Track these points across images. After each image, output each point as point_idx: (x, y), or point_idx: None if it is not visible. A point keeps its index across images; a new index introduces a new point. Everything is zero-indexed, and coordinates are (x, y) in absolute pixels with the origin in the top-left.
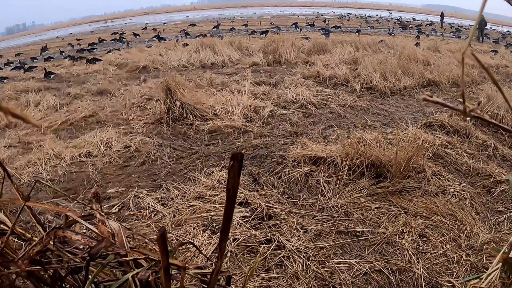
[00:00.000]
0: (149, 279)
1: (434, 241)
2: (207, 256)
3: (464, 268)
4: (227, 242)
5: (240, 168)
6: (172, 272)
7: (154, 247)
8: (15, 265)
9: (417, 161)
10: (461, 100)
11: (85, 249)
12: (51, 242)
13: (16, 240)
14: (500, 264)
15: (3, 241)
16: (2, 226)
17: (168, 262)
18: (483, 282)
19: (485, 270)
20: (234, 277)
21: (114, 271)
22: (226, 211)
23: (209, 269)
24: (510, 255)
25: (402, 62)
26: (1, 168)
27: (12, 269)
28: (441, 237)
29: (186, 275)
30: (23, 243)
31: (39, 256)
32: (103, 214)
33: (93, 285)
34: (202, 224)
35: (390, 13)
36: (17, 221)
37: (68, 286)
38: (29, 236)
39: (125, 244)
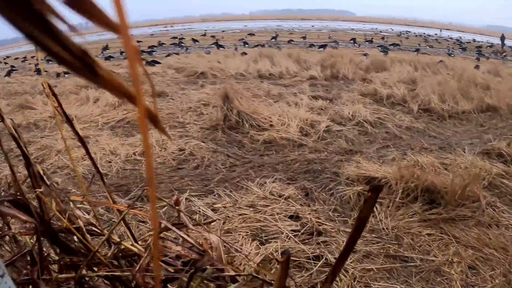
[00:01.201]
0: None
1: (483, 274)
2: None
3: None
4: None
5: (376, 200)
6: None
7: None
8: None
9: (472, 190)
10: None
11: (180, 259)
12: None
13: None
14: None
15: (94, 245)
16: (93, 228)
17: (285, 285)
18: None
19: None
20: None
21: (208, 283)
22: (352, 235)
23: None
24: None
25: (461, 85)
26: (95, 170)
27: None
28: (491, 271)
29: None
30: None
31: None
32: (205, 227)
33: None
34: (251, 233)
35: (440, 31)
36: (113, 230)
37: None
38: (118, 240)
39: (223, 259)
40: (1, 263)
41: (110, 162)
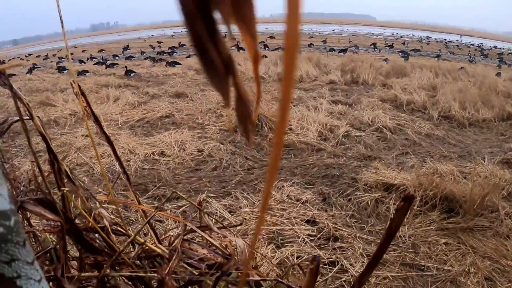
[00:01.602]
0: None
1: (500, 286)
2: (268, 273)
3: None
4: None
5: (408, 209)
6: None
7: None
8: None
9: (491, 200)
10: None
11: (204, 261)
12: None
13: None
14: None
15: (120, 247)
16: (118, 228)
17: None
18: None
19: None
20: None
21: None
22: (382, 244)
23: None
24: None
25: (482, 92)
26: (121, 170)
27: (122, 271)
28: (508, 283)
29: None
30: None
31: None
32: (231, 230)
33: None
34: (267, 236)
35: (460, 36)
36: (139, 232)
37: None
38: (142, 241)
39: (248, 263)
40: (38, 267)
41: (128, 161)
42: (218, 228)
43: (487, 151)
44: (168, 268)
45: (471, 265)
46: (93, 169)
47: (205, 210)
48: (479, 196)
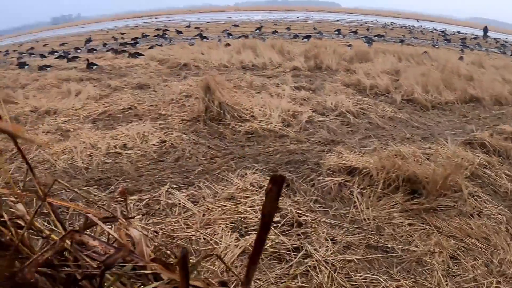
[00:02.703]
0: None
1: (465, 264)
2: (233, 261)
3: None
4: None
5: (279, 193)
6: None
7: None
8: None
9: (454, 180)
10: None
11: (105, 254)
12: (68, 242)
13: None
14: None
15: (18, 237)
16: (20, 221)
17: (188, 285)
18: None
19: None
20: (258, 281)
21: (132, 281)
22: (259, 236)
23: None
24: None
25: (444, 75)
26: (25, 162)
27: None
28: (473, 261)
29: None
30: (41, 239)
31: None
32: (123, 220)
33: None
34: (231, 225)
35: (417, 21)
36: (34, 217)
37: None
38: (48, 233)
39: (145, 255)
40: None
41: (90, 155)
42: (127, 219)
43: (449, 133)
44: (31, 261)
45: (435, 244)
46: (55, 166)
47: (163, 202)
48: (441, 176)
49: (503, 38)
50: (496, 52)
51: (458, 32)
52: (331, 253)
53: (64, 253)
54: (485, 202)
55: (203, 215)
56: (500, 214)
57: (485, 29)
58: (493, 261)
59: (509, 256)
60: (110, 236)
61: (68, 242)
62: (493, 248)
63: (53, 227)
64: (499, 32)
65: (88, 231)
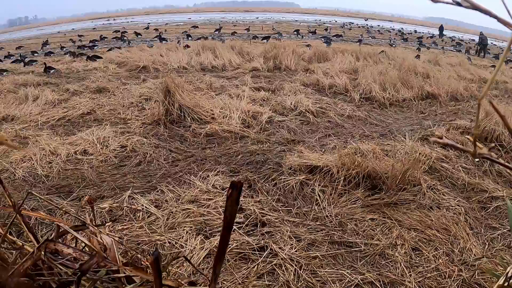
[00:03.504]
0: None
1: (427, 255)
2: (199, 264)
3: (456, 283)
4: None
5: (239, 197)
6: None
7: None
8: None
9: (413, 174)
10: (468, 137)
11: (78, 261)
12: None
13: (5, 247)
14: None
15: None
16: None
17: (161, 285)
18: None
19: (476, 286)
20: (225, 283)
21: (106, 285)
22: (223, 236)
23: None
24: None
25: (402, 74)
26: None
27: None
28: (434, 251)
29: None
30: (14, 252)
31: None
32: (95, 227)
33: None
34: (195, 228)
35: (366, 20)
36: (8, 230)
37: None
38: (20, 244)
39: (117, 259)
40: None
41: (50, 162)
42: (98, 226)
43: (407, 129)
44: (13, 271)
45: (397, 237)
46: (14, 175)
47: (125, 208)
48: (400, 171)
49: (459, 36)
50: (452, 50)
51: (415, 31)
52: (296, 251)
53: (37, 262)
54: (443, 195)
55: (167, 219)
56: (458, 205)
57: (441, 28)
58: (454, 251)
59: (469, 245)
60: (81, 243)
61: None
62: (453, 238)
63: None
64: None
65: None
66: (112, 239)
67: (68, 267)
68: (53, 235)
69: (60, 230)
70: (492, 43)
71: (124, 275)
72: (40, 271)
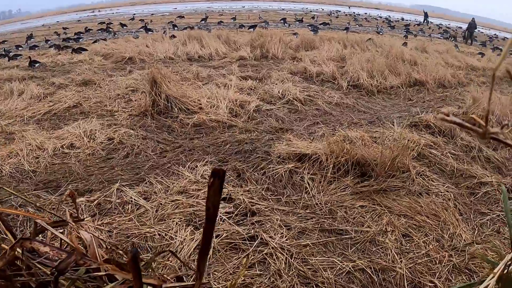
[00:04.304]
0: None
1: (417, 241)
2: (190, 255)
3: (446, 269)
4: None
5: (221, 185)
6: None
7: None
8: None
9: (402, 161)
10: (473, 116)
11: (58, 259)
12: (19, 250)
13: None
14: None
15: None
16: None
17: (141, 283)
18: None
19: (467, 271)
20: (216, 273)
21: (86, 284)
22: (206, 229)
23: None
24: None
25: (389, 61)
26: None
27: None
28: (424, 237)
29: None
30: None
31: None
32: (73, 223)
33: None
34: (185, 219)
35: (349, 8)
36: None
37: None
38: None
39: (97, 256)
40: None
41: (37, 157)
42: (76, 221)
43: (395, 116)
44: None
45: (387, 224)
46: (1, 171)
47: (115, 200)
48: (389, 158)
49: (446, 24)
50: (439, 38)
51: (402, 19)
52: (287, 240)
53: (16, 262)
54: (432, 181)
55: (156, 211)
56: (447, 191)
57: (425, 14)
58: (444, 236)
59: (458, 231)
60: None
61: (19, 250)
62: (443, 224)
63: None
64: (442, 18)
65: (40, 237)
66: (92, 235)
67: (47, 266)
68: (30, 232)
69: (38, 227)
70: (479, 30)
71: (104, 273)
72: (20, 272)
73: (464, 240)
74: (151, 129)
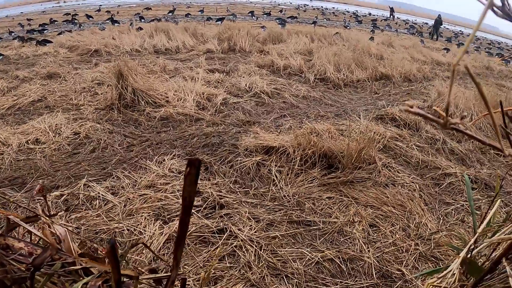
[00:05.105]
0: None
1: (384, 230)
2: (160, 249)
3: (413, 257)
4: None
5: (197, 175)
6: (125, 279)
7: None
8: None
9: (368, 153)
10: (436, 108)
11: (32, 255)
12: None
13: None
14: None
15: None
16: None
17: (120, 274)
18: (443, 282)
19: (433, 259)
20: (187, 267)
21: (62, 279)
22: (182, 220)
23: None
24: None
25: (356, 55)
26: None
27: None
28: (391, 227)
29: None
30: None
31: None
32: (47, 218)
33: None
34: (153, 213)
35: (310, 0)
36: None
37: None
38: None
39: (72, 251)
40: None
41: (2, 154)
42: (50, 216)
43: (362, 109)
44: None
45: (355, 215)
46: None
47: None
48: (356, 150)
49: (412, 19)
50: (405, 33)
51: (370, 14)
52: (255, 232)
53: None
54: (398, 172)
55: (125, 206)
56: (413, 182)
57: (391, 10)
58: (410, 226)
59: (424, 220)
60: (35, 236)
61: None
62: (409, 213)
63: None
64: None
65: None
66: (66, 229)
67: (21, 262)
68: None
69: (11, 223)
70: (445, 27)
71: (80, 267)
72: None
73: (429, 229)
74: (118, 123)
